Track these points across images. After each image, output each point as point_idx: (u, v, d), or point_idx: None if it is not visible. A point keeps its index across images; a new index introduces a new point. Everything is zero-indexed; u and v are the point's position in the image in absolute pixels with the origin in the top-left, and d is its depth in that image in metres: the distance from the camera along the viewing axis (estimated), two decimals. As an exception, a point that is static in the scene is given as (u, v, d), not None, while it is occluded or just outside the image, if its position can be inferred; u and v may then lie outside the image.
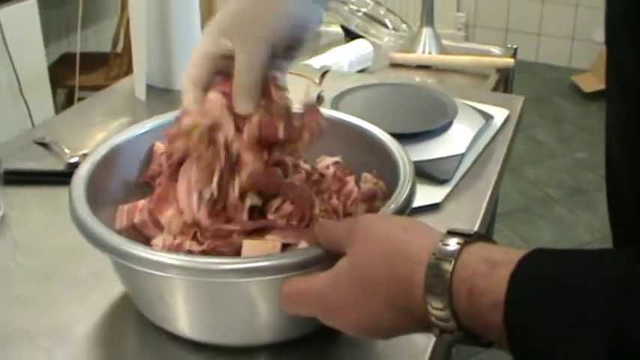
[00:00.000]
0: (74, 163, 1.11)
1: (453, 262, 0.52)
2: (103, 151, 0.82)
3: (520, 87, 1.98)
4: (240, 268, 0.63)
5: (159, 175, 0.82)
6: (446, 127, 1.17)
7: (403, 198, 0.73)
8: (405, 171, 0.78)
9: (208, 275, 0.64)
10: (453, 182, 1.08)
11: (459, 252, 0.53)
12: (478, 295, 0.51)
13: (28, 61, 2.28)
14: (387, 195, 0.79)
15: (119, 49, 3.03)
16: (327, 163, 0.86)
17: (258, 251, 0.69)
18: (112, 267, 0.74)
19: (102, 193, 0.79)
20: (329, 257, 0.63)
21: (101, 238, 0.67)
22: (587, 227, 2.98)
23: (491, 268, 0.51)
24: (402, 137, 1.12)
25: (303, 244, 0.69)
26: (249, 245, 0.70)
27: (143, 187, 0.84)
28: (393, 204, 0.72)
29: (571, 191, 3.26)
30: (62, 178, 1.07)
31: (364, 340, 0.74)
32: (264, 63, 0.71)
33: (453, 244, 0.54)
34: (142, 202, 0.78)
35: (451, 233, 0.55)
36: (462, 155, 1.12)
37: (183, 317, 0.72)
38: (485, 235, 0.57)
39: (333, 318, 0.61)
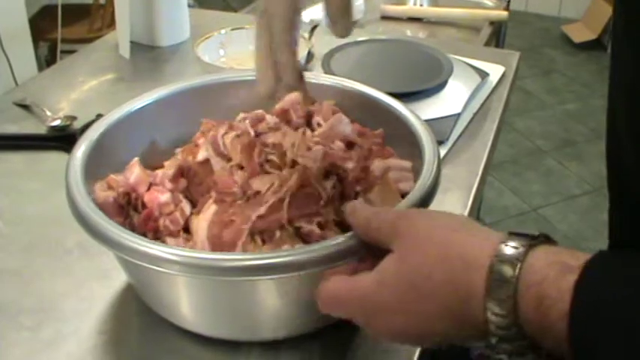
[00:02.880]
0: (56, 126, 1.07)
1: (518, 266, 0.48)
2: (99, 129, 0.77)
3: (509, 37, 1.96)
4: (254, 265, 0.59)
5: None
6: (441, 86, 1.13)
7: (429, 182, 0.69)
8: (431, 154, 0.73)
9: (218, 273, 0.60)
10: (449, 144, 1.05)
11: (524, 255, 0.49)
12: (549, 305, 0.47)
13: (7, 14, 2.21)
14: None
15: (102, -1, 2.95)
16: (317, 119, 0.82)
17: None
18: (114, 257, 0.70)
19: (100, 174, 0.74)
20: (344, 255, 0.59)
21: (104, 233, 0.62)
22: (577, 179, 2.97)
23: (562, 273, 0.47)
24: (396, 97, 1.10)
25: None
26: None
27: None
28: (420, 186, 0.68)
29: (561, 143, 3.24)
30: (44, 142, 1.03)
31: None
32: None
33: (517, 246, 0.50)
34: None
35: (513, 234, 0.51)
36: (458, 115, 1.08)
37: (188, 312, 0.69)
38: (548, 236, 0.52)
39: (376, 323, 0.56)
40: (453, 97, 1.12)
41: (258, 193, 0.68)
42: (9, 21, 2.23)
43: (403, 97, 1.09)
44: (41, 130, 1.08)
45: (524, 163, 3.10)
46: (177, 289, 0.66)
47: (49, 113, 1.11)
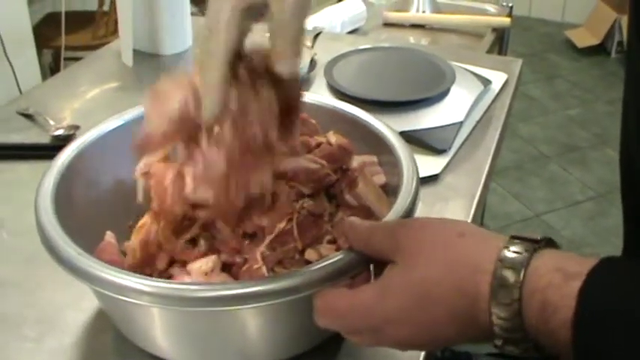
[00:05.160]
0: (59, 135, 1.07)
1: (522, 272, 0.49)
2: (69, 154, 0.76)
3: (513, 43, 1.96)
4: (234, 294, 0.57)
5: None
6: (444, 94, 1.13)
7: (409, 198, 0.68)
8: (410, 170, 0.72)
9: (191, 304, 0.58)
10: (452, 152, 1.05)
11: (528, 260, 0.49)
12: (551, 312, 0.47)
13: (11, 22, 2.22)
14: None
15: (106, 7, 2.96)
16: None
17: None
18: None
19: (73, 196, 0.74)
20: (323, 281, 0.58)
21: (71, 261, 0.62)
22: (580, 185, 2.96)
23: (565, 280, 0.47)
24: (398, 105, 1.10)
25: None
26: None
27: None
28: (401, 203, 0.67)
29: (564, 149, 3.24)
30: (47, 152, 1.03)
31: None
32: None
33: (520, 250, 0.50)
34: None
35: (515, 238, 0.52)
36: (461, 123, 1.08)
37: (164, 344, 0.67)
38: (551, 239, 0.53)
39: (383, 334, 0.55)
40: (456, 105, 1.12)
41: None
42: (13, 28, 2.24)
43: (405, 105, 1.10)
44: (44, 139, 1.08)
45: (528, 168, 3.09)
46: (153, 320, 0.64)
47: (52, 122, 1.11)
